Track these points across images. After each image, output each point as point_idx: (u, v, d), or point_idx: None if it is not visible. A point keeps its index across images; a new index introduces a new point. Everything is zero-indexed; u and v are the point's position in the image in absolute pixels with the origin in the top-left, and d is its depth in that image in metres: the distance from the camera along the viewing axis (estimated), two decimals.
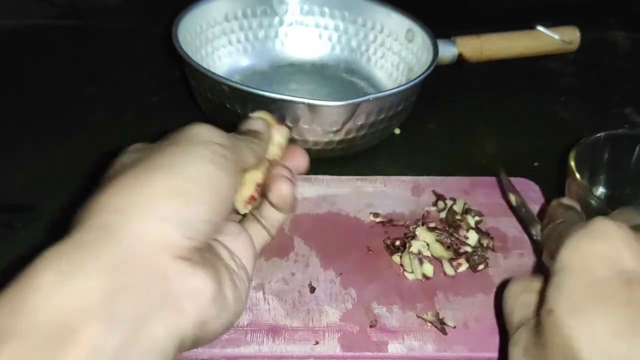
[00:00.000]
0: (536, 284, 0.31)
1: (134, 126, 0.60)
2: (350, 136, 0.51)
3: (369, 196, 0.49)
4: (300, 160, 0.37)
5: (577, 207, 0.36)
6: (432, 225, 0.45)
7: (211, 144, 0.29)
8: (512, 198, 0.44)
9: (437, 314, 0.39)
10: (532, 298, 0.30)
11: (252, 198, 0.33)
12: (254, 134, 0.34)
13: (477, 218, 0.46)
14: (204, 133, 0.30)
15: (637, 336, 0.24)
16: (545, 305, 0.27)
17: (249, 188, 0.33)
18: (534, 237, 0.40)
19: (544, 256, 0.34)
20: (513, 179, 0.51)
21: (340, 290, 0.41)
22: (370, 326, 0.38)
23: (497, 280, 0.42)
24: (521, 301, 0.31)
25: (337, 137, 0.50)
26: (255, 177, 0.33)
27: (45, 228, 0.46)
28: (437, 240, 0.44)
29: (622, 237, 0.26)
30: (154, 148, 0.29)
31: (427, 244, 0.43)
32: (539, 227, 0.39)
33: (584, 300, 0.25)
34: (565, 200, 0.36)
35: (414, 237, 0.44)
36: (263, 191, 0.34)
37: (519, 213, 0.43)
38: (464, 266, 0.42)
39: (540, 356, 0.27)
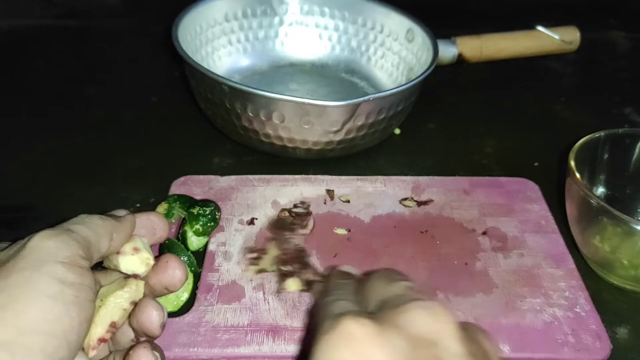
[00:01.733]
0: None
1: (134, 126, 0.60)
2: (350, 136, 0.51)
3: (369, 196, 0.49)
4: (176, 272, 0.31)
5: (354, 272, 0.34)
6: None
7: (56, 267, 0.25)
8: None
9: None
10: None
11: (102, 340, 0.29)
12: (112, 216, 0.30)
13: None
14: (47, 251, 0.26)
15: None
16: None
17: (100, 327, 0.28)
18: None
19: None
20: (513, 179, 0.51)
21: None
22: None
23: (497, 281, 0.42)
24: None
25: (337, 137, 0.50)
26: (111, 314, 0.29)
27: (45, 228, 0.46)
28: (282, 253, 0.43)
29: (365, 336, 0.24)
30: None
31: (275, 258, 0.42)
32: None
33: None
34: (344, 268, 0.34)
35: (265, 252, 0.43)
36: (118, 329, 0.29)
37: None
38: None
39: None
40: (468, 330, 0.25)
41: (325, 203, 0.48)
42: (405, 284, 0.29)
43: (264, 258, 0.43)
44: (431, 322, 0.25)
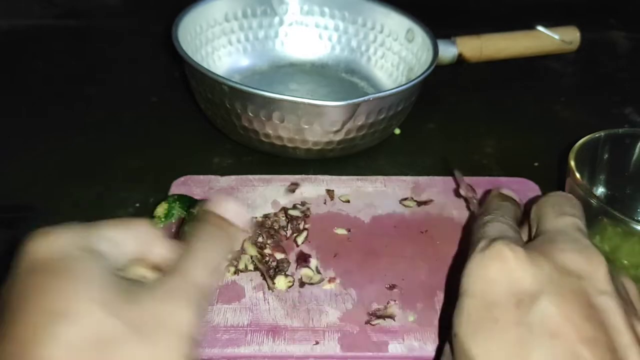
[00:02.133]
0: None
1: (134, 126, 0.60)
2: (350, 136, 0.51)
3: (369, 196, 0.49)
4: None
5: (516, 198, 0.36)
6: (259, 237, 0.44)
7: (185, 344, 0.24)
8: (462, 191, 0.46)
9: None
10: None
11: None
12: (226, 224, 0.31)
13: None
14: (182, 323, 0.24)
15: (524, 354, 0.25)
16: (452, 329, 0.28)
17: None
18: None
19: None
20: (513, 179, 0.51)
21: (340, 290, 0.41)
22: (371, 326, 0.38)
23: None
24: None
25: (337, 137, 0.50)
26: None
27: None
28: (259, 253, 0.42)
29: (515, 259, 0.28)
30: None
31: (252, 257, 0.42)
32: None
33: (480, 322, 0.27)
34: (505, 191, 0.37)
35: (243, 251, 0.43)
36: None
37: (471, 205, 0.45)
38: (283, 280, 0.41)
39: None
40: (616, 279, 0.28)
41: (325, 203, 0.48)
42: (572, 223, 0.31)
43: (242, 258, 0.42)
44: (584, 263, 0.28)
